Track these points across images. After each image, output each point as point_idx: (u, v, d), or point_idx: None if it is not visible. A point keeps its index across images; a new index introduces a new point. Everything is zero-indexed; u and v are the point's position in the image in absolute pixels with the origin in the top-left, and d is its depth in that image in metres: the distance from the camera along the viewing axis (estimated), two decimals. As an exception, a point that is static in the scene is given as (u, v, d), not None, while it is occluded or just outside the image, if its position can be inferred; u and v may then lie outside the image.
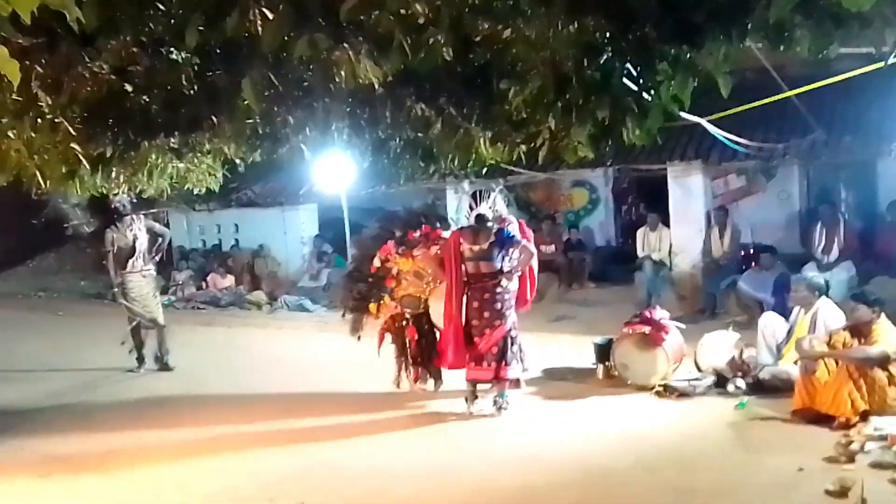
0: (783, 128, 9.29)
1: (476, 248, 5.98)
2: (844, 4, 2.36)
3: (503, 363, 6.00)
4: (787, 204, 11.16)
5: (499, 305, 6.01)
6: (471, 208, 6.14)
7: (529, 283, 6.44)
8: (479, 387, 6.14)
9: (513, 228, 6.14)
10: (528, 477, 4.85)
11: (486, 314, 6.00)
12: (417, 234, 6.50)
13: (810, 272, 7.47)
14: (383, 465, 5.20)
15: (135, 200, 8.12)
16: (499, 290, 6.02)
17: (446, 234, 6.40)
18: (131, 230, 8.02)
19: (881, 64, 5.65)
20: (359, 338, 6.70)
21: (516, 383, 6.15)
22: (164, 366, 8.18)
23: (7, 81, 3.97)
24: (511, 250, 6.04)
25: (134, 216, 8.09)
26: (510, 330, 6.04)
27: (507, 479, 4.86)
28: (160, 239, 8.37)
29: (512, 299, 6.13)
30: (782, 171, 10.95)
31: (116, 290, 8.15)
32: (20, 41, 3.09)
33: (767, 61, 6.52)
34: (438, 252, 6.29)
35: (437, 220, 6.78)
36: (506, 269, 6.01)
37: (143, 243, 8.09)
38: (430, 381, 6.64)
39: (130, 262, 8.00)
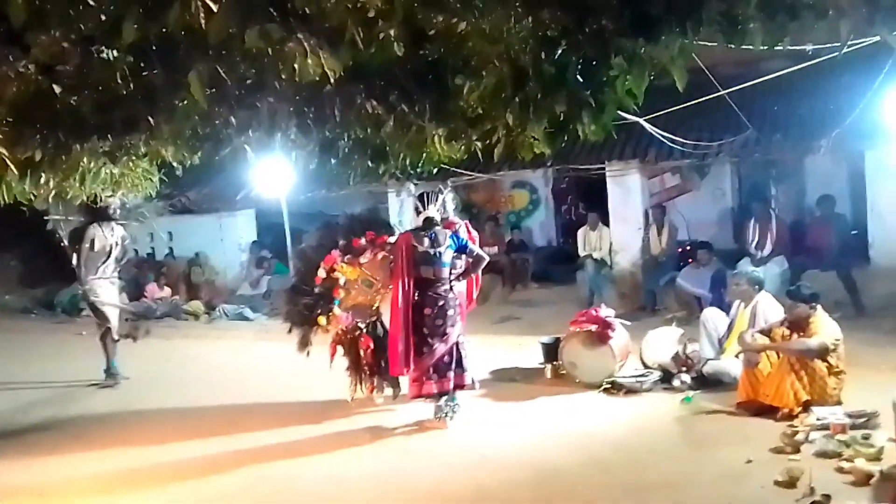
0: (716, 126, 9.53)
1: (428, 251, 5.84)
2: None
3: (460, 371, 5.90)
4: (721, 201, 11.49)
5: (451, 312, 5.89)
6: (417, 211, 6.05)
7: (475, 284, 6.40)
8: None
9: (461, 231, 6.09)
10: (481, 479, 4.83)
11: (439, 321, 5.83)
12: (363, 240, 6.32)
13: (747, 267, 7.66)
14: (336, 475, 5.09)
15: (128, 205, 8.04)
16: (451, 295, 5.92)
17: (392, 238, 6.27)
18: (112, 234, 7.89)
19: (810, 62, 5.84)
20: (308, 353, 6.45)
21: (471, 385, 6.07)
22: (114, 378, 7.94)
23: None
24: (462, 255, 5.98)
25: (115, 222, 7.94)
26: (459, 335, 5.96)
27: (460, 482, 4.83)
28: (125, 251, 8.24)
29: (460, 304, 6.06)
30: (715, 169, 11.26)
31: (82, 294, 8.02)
32: None
33: (701, 60, 6.65)
34: (387, 255, 6.15)
35: (381, 225, 6.63)
36: (456, 274, 5.95)
37: (117, 250, 7.97)
38: (388, 390, 6.48)
39: (102, 267, 7.85)
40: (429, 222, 5.90)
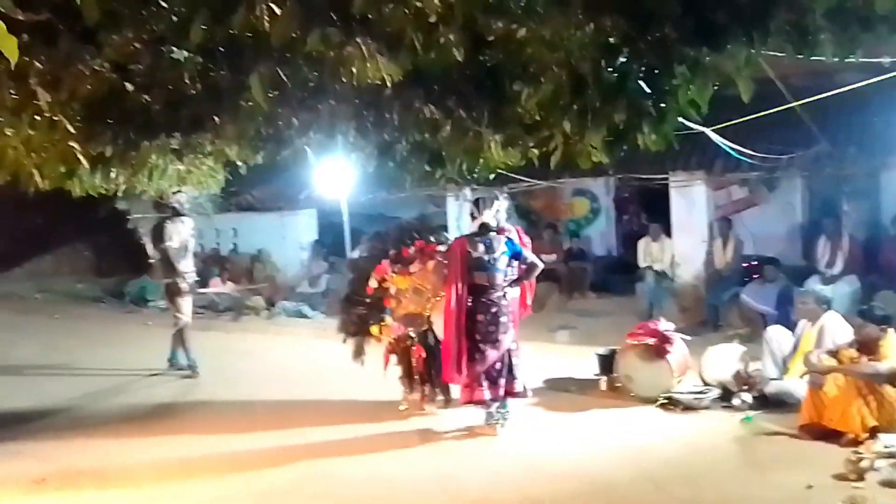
0: (787, 139, 9.21)
1: (482, 257, 5.79)
2: (878, 4, 2.29)
3: (511, 378, 5.85)
4: (790, 216, 11.11)
5: (504, 318, 5.82)
6: (472, 216, 6.02)
7: (530, 290, 6.33)
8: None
9: (513, 238, 6.04)
10: (531, 489, 4.77)
11: (492, 328, 5.77)
12: (412, 250, 6.34)
13: (815, 285, 7.39)
14: (385, 474, 5.11)
15: (191, 200, 8.19)
16: (504, 302, 5.85)
17: (442, 247, 6.28)
18: (185, 229, 8.05)
19: (889, 75, 5.60)
20: (362, 363, 6.53)
21: (523, 393, 5.99)
22: (181, 368, 8.16)
23: (3, 78, 3.93)
24: (517, 263, 5.93)
25: (186, 217, 8.10)
26: (512, 342, 5.91)
27: (510, 490, 4.78)
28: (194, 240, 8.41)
29: (513, 311, 6.01)
30: (785, 183, 10.90)
31: (167, 292, 8.09)
32: (20, 17, 2.97)
33: (772, 71, 6.45)
34: (438, 262, 6.16)
35: (431, 232, 6.62)
36: (509, 280, 5.91)
37: (192, 244, 8.16)
38: (440, 398, 6.46)
39: (184, 261, 8.01)
40: (484, 228, 5.85)
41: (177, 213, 8.01)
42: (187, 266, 8.08)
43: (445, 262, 6.13)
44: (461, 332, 5.77)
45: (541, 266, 6.11)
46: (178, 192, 7.69)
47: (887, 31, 2.75)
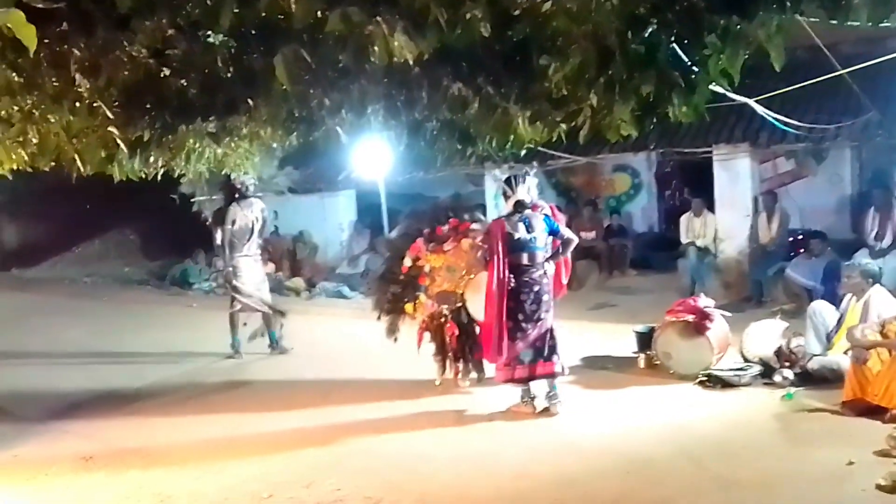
0: (835, 108, 8.98)
1: (523, 237, 5.74)
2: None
3: (551, 357, 5.79)
4: (839, 188, 10.85)
5: (546, 297, 5.80)
6: (505, 196, 5.98)
7: (565, 269, 6.29)
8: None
9: (547, 214, 6.01)
10: (567, 466, 4.79)
11: (534, 307, 5.74)
12: (446, 228, 6.38)
13: (863, 258, 7.20)
14: (422, 452, 5.17)
15: (256, 181, 8.12)
16: (546, 280, 5.82)
17: (476, 225, 6.30)
18: (252, 211, 8.02)
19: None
20: (395, 339, 6.60)
21: (561, 372, 5.91)
22: (281, 349, 8.21)
23: (44, 66, 4.04)
24: (553, 240, 5.90)
25: (253, 198, 8.08)
26: (553, 320, 5.87)
27: (546, 467, 4.80)
28: (264, 224, 8.37)
29: (552, 288, 5.98)
30: (833, 154, 10.64)
31: (226, 273, 8.07)
32: (38, 5, 3.04)
33: (819, 38, 6.26)
34: (473, 241, 6.18)
35: (465, 210, 6.64)
36: (547, 257, 5.88)
37: (258, 225, 8.09)
38: (473, 374, 6.52)
39: (246, 245, 7.99)
40: (520, 205, 5.81)
41: (242, 196, 7.96)
42: (251, 249, 8.03)
43: (482, 242, 6.13)
44: (503, 313, 5.74)
45: (576, 240, 6.05)
46: (245, 174, 7.63)
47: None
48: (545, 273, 5.83)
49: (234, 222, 7.89)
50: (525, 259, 5.75)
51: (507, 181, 5.96)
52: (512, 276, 5.73)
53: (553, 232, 5.89)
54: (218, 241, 8.00)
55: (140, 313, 11.20)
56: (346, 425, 5.79)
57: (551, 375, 5.82)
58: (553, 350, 5.79)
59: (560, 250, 5.99)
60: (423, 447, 5.27)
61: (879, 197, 8.96)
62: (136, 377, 7.61)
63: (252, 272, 8.12)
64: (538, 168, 7.03)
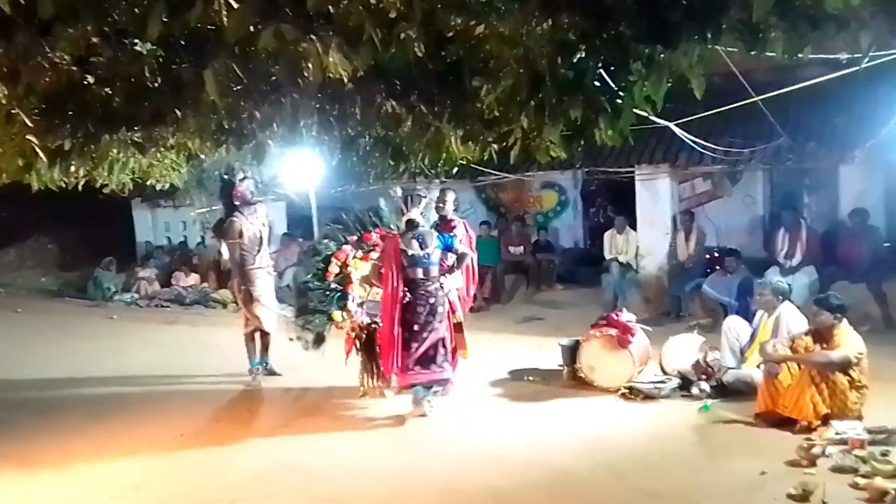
0: (749, 133, 9.39)
1: (416, 253, 6.00)
2: (827, 3, 2.35)
3: (444, 363, 6.11)
4: (752, 208, 11.31)
5: (441, 308, 6.10)
6: (401, 213, 6.20)
7: (473, 282, 6.67)
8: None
9: (458, 229, 6.36)
10: (493, 478, 4.84)
11: (430, 318, 6.04)
12: (374, 236, 6.43)
13: (774, 276, 7.55)
14: (351, 466, 5.15)
15: (260, 186, 7.24)
16: (441, 293, 6.12)
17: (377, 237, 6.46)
18: (257, 218, 7.14)
19: (847, 70, 5.72)
20: (323, 353, 6.50)
21: (450, 381, 6.26)
22: (271, 371, 7.43)
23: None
24: (449, 255, 6.18)
25: (258, 204, 7.20)
26: (446, 331, 6.14)
27: (474, 480, 4.84)
28: (271, 230, 7.58)
29: (461, 298, 6.34)
30: (747, 176, 11.09)
31: (239, 292, 7.20)
32: None
33: (735, 66, 6.56)
34: (376, 261, 6.35)
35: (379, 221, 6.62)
36: (441, 272, 6.13)
37: (265, 233, 7.21)
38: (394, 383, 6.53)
39: (258, 256, 7.09)
40: (410, 225, 6.07)
41: (244, 203, 7.08)
42: (263, 260, 7.19)
43: (377, 259, 6.34)
44: (394, 324, 6.01)
45: (471, 255, 6.46)
46: (245, 178, 6.91)
47: (835, 29, 2.83)
48: (441, 286, 6.11)
49: (240, 234, 7.02)
50: (420, 273, 6.04)
51: (404, 199, 6.22)
52: (407, 289, 6.02)
53: (448, 247, 6.18)
54: (225, 255, 7.21)
55: (56, 325, 10.76)
56: (274, 440, 5.71)
57: (443, 382, 6.15)
58: (445, 357, 6.11)
59: (456, 264, 6.29)
60: (351, 461, 5.24)
61: (789, 218, 9.39)
62: (53, 389, 7.35)
63: (267, 286, 7.29)
64: (471, 183, 7.11)
